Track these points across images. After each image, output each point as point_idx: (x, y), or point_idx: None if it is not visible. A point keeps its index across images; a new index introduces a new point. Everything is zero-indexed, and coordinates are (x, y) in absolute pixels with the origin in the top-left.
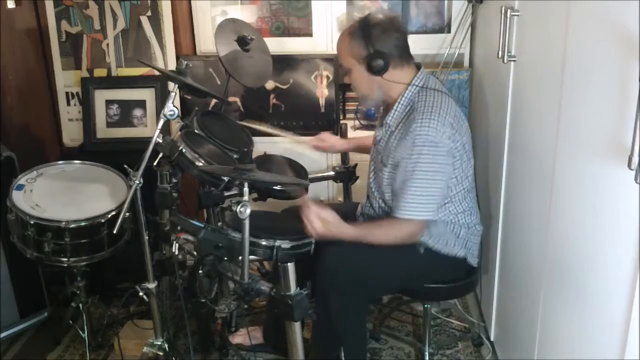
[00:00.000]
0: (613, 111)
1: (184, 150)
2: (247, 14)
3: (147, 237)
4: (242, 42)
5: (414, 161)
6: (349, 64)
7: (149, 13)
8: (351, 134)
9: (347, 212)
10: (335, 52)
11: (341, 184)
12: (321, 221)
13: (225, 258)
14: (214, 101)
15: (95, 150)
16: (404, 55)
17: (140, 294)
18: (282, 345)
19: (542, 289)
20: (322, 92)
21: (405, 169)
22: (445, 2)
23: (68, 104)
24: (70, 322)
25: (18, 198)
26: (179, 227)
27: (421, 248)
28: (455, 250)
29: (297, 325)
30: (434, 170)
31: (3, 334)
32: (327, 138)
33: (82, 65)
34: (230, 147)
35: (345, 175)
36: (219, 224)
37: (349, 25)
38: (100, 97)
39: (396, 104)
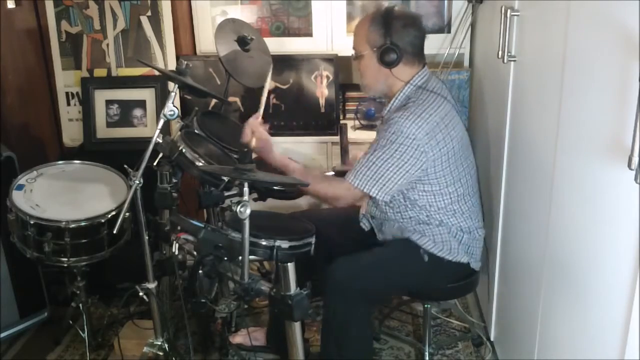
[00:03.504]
0: (613, 111)
1: (184, 150)
2: (247, 14)
3: (147, 237)
4: (242, 42)
5: (383, 141)
6: (362, 50)
7: (149, 13)
8: (351, 134)
9: (350, 212)
10: (335, 52)
11: None
12: (256, 139)
13: (225, 258)
14: (214, 101)
15: (95, 150)
16: (417, 54)
17: (140, 294)
18: (284, 350)
19: (542, 289)
20: (322, 92)
21: (374, 145)
22: (445, 2)
23: (68, 104)
24: (70, 322)
25: (18, 198)
26: (179, 227)
27: (425, 256)
28: (459, 257)
29: (297, 325)
30: (397, 157)
31: (3, 334)
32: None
33: (82, 65)
34: (230, 147)
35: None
36: (219, 224)
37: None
38: (100, 97)
39: (394, 98)
